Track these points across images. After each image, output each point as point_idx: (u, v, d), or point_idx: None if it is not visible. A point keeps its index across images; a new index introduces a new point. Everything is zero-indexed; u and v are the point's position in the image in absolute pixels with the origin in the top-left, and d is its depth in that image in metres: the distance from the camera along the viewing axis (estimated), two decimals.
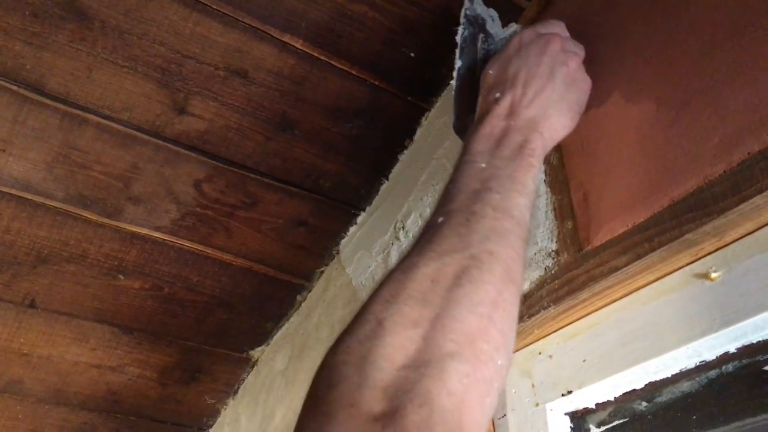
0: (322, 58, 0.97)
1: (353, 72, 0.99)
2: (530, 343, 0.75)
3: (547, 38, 0.69)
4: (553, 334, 0.73)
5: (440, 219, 0.54)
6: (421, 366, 0.42)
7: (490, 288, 0.48)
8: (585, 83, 0.69)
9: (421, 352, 0.43)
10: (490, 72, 0.71)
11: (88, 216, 1.12)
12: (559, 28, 0.73)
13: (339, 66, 0.98)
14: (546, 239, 0.73)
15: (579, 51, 0.71)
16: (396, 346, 0.43)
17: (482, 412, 0.43)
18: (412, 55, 0.98)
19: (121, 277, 1.22)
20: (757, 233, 0.56)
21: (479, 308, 0.46)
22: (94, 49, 0.92)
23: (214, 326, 1.35)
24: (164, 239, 1.17)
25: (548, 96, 0.65)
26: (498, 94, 0.67)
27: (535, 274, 0.73)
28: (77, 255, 1.17)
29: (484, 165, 0.59)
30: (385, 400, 0.40)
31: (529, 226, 0.57)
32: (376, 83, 1.01)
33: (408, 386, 0.41)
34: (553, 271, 0.71)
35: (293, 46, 0.95)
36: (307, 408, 0.44)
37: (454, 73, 0.77)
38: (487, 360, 0.45)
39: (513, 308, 0.49)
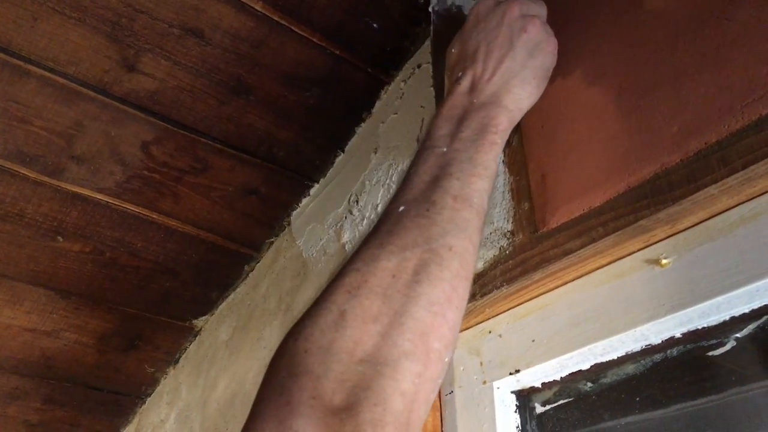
0: (283, 22, 0.94)
1: (314, 39, 0.97)
2: (480, 322, 0.76)
3: (504, 6, 0.67)
4: (504, 314, 0.73)
5: (401, 208, 0.54)
6: (378, 363, 0.44)
7: (446, 285, 0.49)
8: (549, 44, 0.67)
9: (378, 348, 0.44)
10: (453, 51, 0.70)
11: (27, 173, 1.06)
12: None
13: (299, 32, 0.96)
14: (502, 219, 0.74)
15: (540, 11, 0.69)
16: (356, 339, 0.45)
17: (426, 410, 0.46)
18: (375, 26, 0.96)
19: (60, 238, 1.17)
20: (708, 222, 0.57)
21: (434, 307, 0.47)
22: None
23: (156, 293, 1.31)
24: (108, 201, 1.13)
25: (509, 67, 0.64)
26: (460, 73, 0.66)
27: (490, 253, 0.73)
28: (13, 214, 1.11)
29: (444, 149, 0.58)
30: (344, 393, 0.42)
31: (487, 209, 0.57)
32: (337, 52, 0.99)
33: (365, 383, 0.42)
34: (507, 252, 0.71)
35: (252, 7, 0.92)
36: (267, 393, 0.44)
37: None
38: (437, 359, 0.46)
39: (464, 304, 0.51)
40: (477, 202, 0.55)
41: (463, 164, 0.56)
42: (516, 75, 0.64)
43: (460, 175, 0.56)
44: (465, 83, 0.64)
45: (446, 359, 0.47)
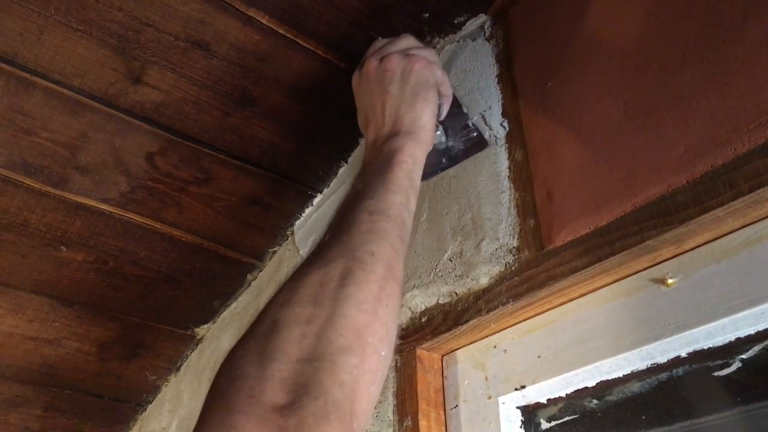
0: (288, 35, 0.94)
1: (319, 52, 0.97)
2: (486, 337, 0.76)
3: (363, 68, 0.77)
4: (509, 329, 0.74)
5: (327, 236, 0.59)
6: (315, 360, 0.46)
7: (373, 286, 0.53)
8: (412, 63, 0.73)
9: (314, 346, 0.47)
10: (359, 125, 0.79)
11: (31, 184, 1.06)
12: (373, 47, 0.80)
13: (304, 45, 0.96)
14: (507, 236, 0.74)
15: (395, 47, 0.77)
16: (291, 341, 0.47)
17: (369, 399, 0.48)
18: (379, 38, 0.96)
19: (64, 248, 1.17)
20: (713, 243, 0.58)
21: (364, 305, 0.51)
22: (46, 10, 0.87)
23: (159, 302, 1.31)
24: (111, 211, 1.13)
25: (392, 105, 0.72)
26: (366, 135, 0.75)
27: (495, 269, 0.74)
28: (17, 224, 1.11)
29: (360, 186, 0.64)
30: (284, 391, 0.44)
31: (409, 222, 0.62)
32: (342, 65, 0.99)
33: (304, 379, 0.45)
34: (513, 268, 0.72)
35: (258, 20, 0.92)
36: (209, 401, 0.47)
37: None
38: (373, 352, 0.49)
39: (395, 302, 0.54)
40: (394, 213, 0.60)
41: (376, 186, 0.63)
42: (400, 104, 0.71)
43: (374, 194, 0.61)
44: (370, 138, 0.73)
45: (383, 353, 0.50)
